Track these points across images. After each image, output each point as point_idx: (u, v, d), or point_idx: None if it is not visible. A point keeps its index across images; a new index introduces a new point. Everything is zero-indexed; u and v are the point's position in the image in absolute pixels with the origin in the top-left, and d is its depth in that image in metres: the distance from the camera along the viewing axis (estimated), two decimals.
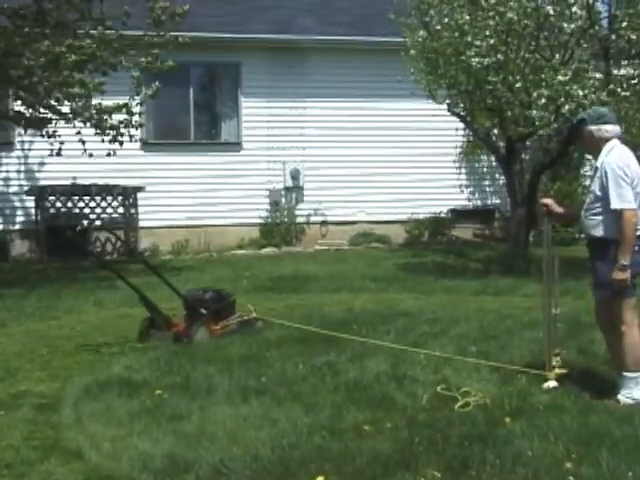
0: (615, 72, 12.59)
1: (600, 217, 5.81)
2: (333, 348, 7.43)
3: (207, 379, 6.52)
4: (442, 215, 18.93)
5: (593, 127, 5.93)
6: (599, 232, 5.83)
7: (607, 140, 5.92)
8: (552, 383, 6.12)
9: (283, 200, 18.48)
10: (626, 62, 12.90)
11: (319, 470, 4.48)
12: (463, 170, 19.56)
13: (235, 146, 18.28)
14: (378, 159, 18.48)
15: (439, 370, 6.67)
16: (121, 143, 13.99)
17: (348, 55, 18.24)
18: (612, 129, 5.95)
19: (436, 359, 6.97)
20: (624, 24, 12.02)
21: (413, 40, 13.84)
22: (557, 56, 12.36)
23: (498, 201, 19.53)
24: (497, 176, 19.19)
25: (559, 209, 6.32)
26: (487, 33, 12.11)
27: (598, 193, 5.83)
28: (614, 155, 5.83)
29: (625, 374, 5.81)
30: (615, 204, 5.63)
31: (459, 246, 17.60)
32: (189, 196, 17.57)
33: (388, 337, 7.95)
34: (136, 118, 14.07)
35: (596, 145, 5.96)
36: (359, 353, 7.25)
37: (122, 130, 13.89)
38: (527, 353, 6.91)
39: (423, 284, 12.30)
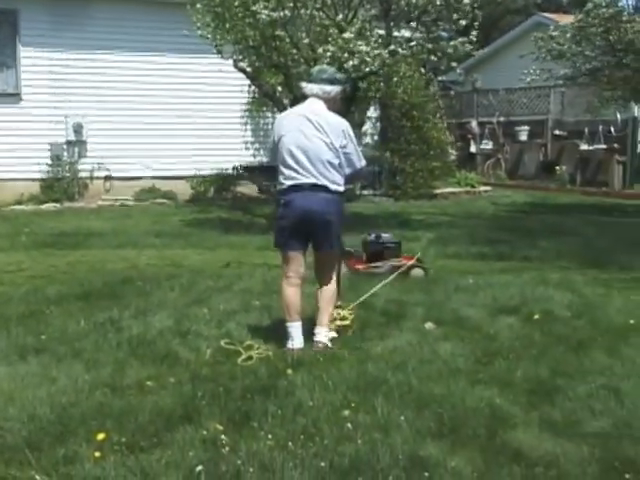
0: (396, 33, 12.99)
1: None
2: (116, 304, 7.30)
3: None
4: (227, 171, 18.93)
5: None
6: None
7: None
8: (332, 334, 6.30)
9: (65, 154, 17.82)
10: (406, 24, 13.33)
11: (100, 427, 4.41)
12: (249, 127, 19.61)
13: (13, 97, 17.36)
14: (163, 114, 18.18)
15: (223, 325, 6.70)
16: None
17: (132, 6, 17.69)
18: None
19: (220, 314, 7.00)
20: None
21: None
22: (341, 15, 12.58)
23: None
24: None
25: None
26: None
27: None
28: None
29: None
30: None
31: (244, 202, 17.68)
32: None
33: (172, 293, 7.90)
34: None
35: None
36: (143, 309, 7.15)
37: None
38: (307, 306, 7.05)
39: (208, 240, 12.30)
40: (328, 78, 6.17)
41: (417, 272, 8.91)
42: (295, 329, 6.12)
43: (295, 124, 6.08)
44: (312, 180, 5.95)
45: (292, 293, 6.19)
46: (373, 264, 8.96)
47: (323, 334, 6.10)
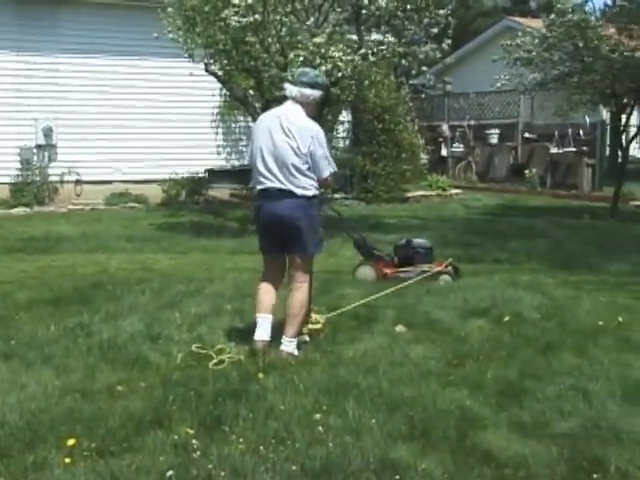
0: (367, 37, 13.04)
1: None
2: (86, 309, 7.25)
3: None
4: (199, 175, 18.89)
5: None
6: None
7: None
8: (304, 338, 6.30)
9: (35, 158, 17.75)
10: (376, 28, 13.38)
11: (70, 433, 4.39)
12: (220, 130, 19.60)
13: None
14: (135, 118, 18.16)
15: (194, 328, 6.68)
16: None
17: (103, 10, 17.69)
18: None
19: (191, 318, 6.98)
20: None
21: None
22: (312, 19, 12.61)
23: None
24: None
25: None
26: None
27: None
28: None
29: None
30: None
31: (216, 206, 17.65)
32: None
33: (143, 297, 7.87)
34: None
35: None
36: (113, 313, 7.12)
37: None
38: (280, 310, 7.03)
39: (180, 243, 12.27)
40: (308, 82, 6.07)
41: (445, 278, 8.83)
42: (262, 319, 6.14)
43: (267, 127, 6.05)
44: (277, 185, 5.94)
45: (264, 291, 6.23)
46: (402, 269, 8.93)
47: (286, 343, 6.05)
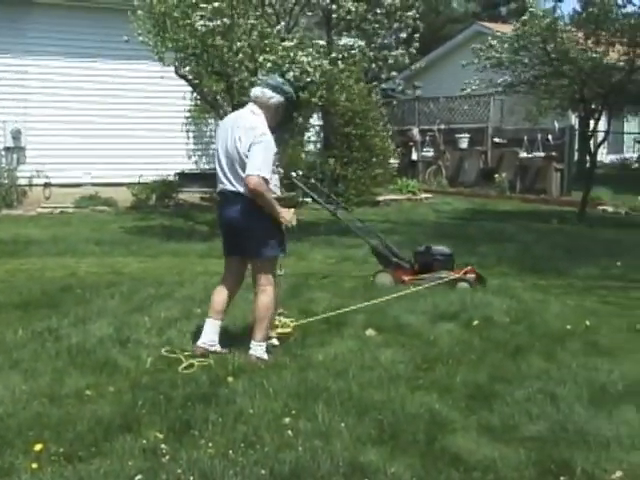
0: (337, 42, 13.06)
1: None
2: (55, 313, 7.21)
3: None
4: (169, 178, 18.81)
5: None
6: None
7: None
8: (273, 342, 6.30)
9: (3, 161, 17.58)
10: (347, 32, 13.42)
11: (38, 438, 4.36)
12: (191, 134, 19.54)
13: None
14: (105, 121, 18.02)
15: (164, 332, 6.66)
16: None
17: (73, 12, 17.54)
18: None
19: (161, 321, 6.96)
20: None
21: (140, 0, 13.58)
22: (283, 23, 12.61)
23: None
24: None
25: None
26: None
27: None
28: None
29: None
30: None
31: (186, 209, 17.58)
32: None
33: (112, 301, 7.83)
34: None
35: None
36: (82, 317, 7.07)
37: None
38: (249, 313, 7.02)
39: (149, 247, 12.21)
40: (273, 84, 6.11)
41: (463, 285, 8.71)
42: (207, 324, 6.19)
43: (225, 129, 6.12)
44: (229, 187, 6.00)
45: (218, 292, 6.29)
46: (420, 276, 8.88)
47: (254, 348, 6.05)
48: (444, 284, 8.59)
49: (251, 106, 6.12)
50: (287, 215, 5.99)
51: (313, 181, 10.22)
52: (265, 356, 6.04)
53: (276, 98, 6.07)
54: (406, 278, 8.87)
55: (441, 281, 8.60)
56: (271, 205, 5.88)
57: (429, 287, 8.48)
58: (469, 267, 9.11)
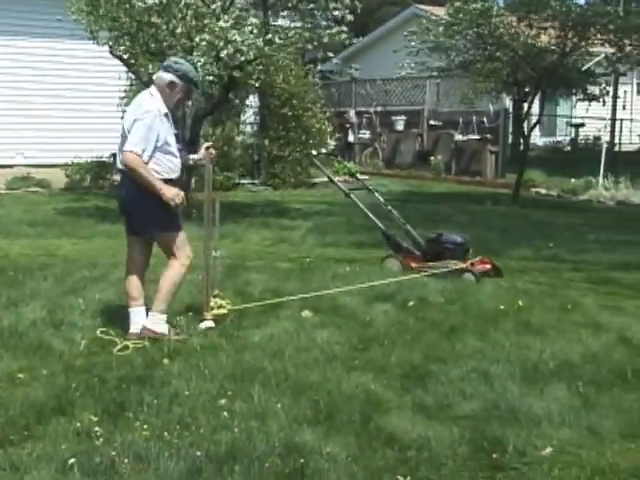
0: (273, 22, 12.98)
1: None
2: None
3: None
4: (104, 159, 18.56)
5: None
6: None
7: None
8: (209, 323, 6.28)
9: None
10: (284, 13, 13.34)
11: None
12: None
13: None
14: (37, 101, 17.67)
15: (98, 315, 6.59)
16: None
17: None
18: None
19: (95, 304, 6.88)
20: None
21: None
22: (219, 3, 12.48)
23: None
24: None
25: None
26: None
27: None
28: None
29: None
30: None
31: None
32: None
33: (46, 283, 7.72)
34: None
35: None
36: (14, 299, 6.96)
37: None
38: (186, 295, 6.98)
39: (84, 228, 12.05)
40: (165, 65, 6.21)
41: (468, 277, 8.53)
42: (133, 314, 6.15)
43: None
44: (120, 165, 6.06)
45: (129, 281, 6.25)
46: (428, 263, 8.75)
47: (150, 317, 6.06)
48: (451, 273, 8.47)
49: (151, 87, 6.20)
50: (168, 192, 5.88)
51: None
52: (158, 329, 6.01)
53: (167, 77, 6.05)
54: (414, 265, 8.82)
55: (446, 270, 8.51)
56: (148, 181, 5.83)
57: (369, 268, 8.51)
58: (481, 258, 8.94)
